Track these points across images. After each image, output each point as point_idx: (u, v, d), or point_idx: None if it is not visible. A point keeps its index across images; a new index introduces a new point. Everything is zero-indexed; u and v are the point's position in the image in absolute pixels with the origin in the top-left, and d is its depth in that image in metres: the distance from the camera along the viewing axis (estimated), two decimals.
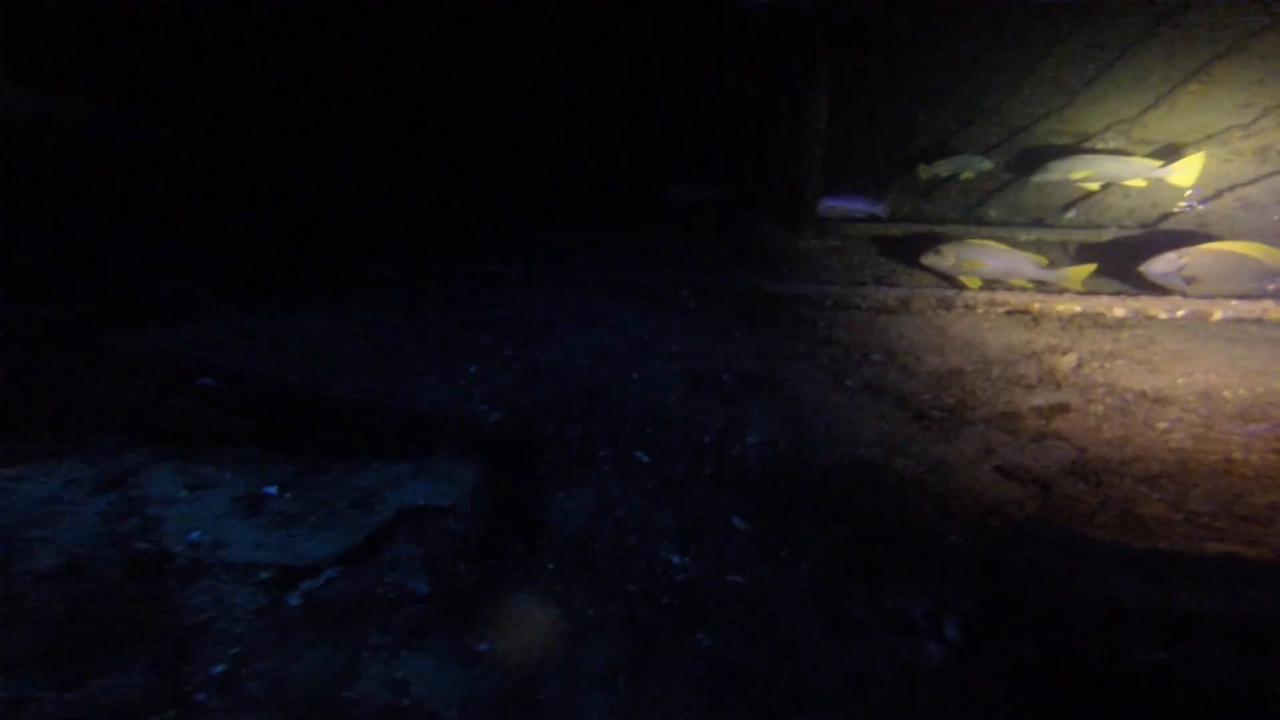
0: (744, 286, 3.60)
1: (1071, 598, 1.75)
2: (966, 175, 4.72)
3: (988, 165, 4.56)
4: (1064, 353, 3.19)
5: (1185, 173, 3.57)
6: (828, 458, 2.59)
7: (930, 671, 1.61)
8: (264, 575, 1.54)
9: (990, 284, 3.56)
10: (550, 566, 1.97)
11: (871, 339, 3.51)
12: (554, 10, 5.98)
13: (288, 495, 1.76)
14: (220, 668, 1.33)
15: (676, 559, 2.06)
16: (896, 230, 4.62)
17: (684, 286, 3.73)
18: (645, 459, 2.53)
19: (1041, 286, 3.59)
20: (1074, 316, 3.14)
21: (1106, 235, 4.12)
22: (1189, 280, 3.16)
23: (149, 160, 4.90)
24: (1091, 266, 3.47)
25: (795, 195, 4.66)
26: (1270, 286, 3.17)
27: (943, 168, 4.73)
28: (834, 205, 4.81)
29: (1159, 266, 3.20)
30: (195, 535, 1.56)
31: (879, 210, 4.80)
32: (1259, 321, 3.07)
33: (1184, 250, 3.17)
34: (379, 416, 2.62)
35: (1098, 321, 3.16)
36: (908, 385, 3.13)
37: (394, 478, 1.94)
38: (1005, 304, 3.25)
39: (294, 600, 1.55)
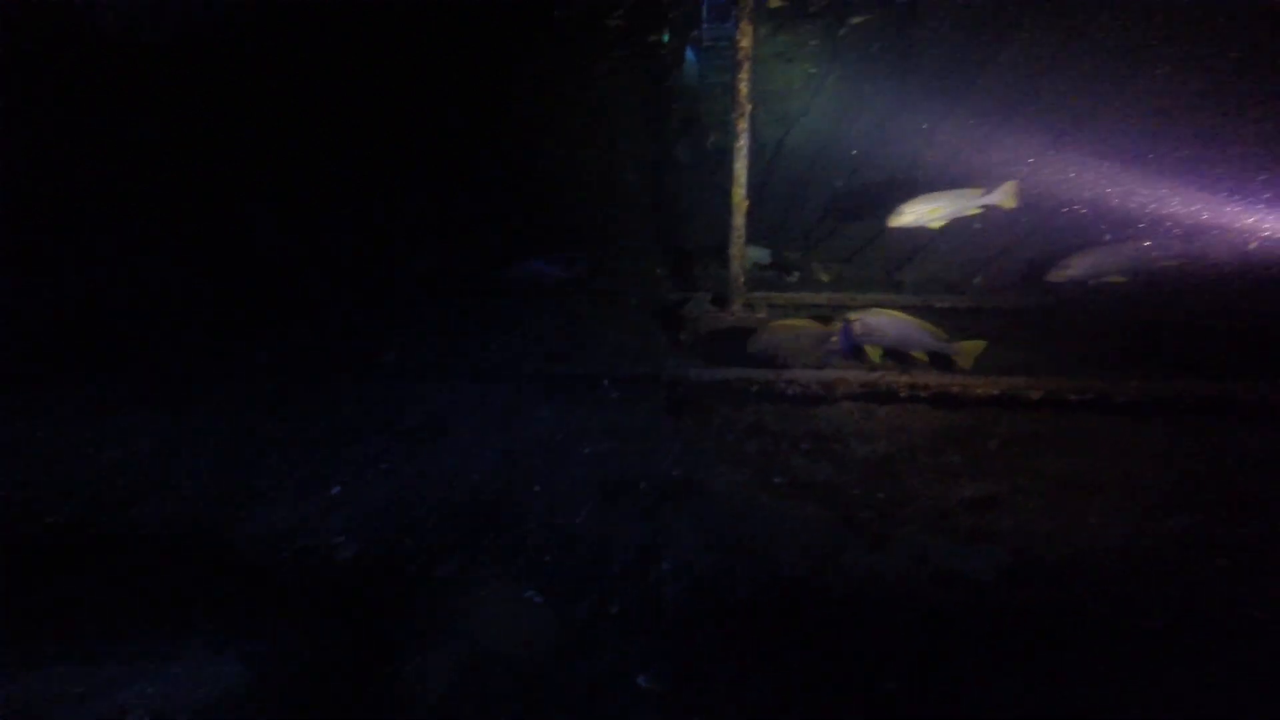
0: (669, 376, 3.43)
1: None
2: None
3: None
4: (987, 437, 3.14)
5: (1007, 195, 3.93)
6: (751, 581, 2.38)
7: None
8: None
9: (909, 368, 3.54)
10: None
11: (800, 426, 3.39)
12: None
13: None
14: None
15: None
16: (821, 299, 4.61)
17: (605, 377, 3.53)
18: (539, 599, 2.23)
19: (940, 359, 3.63)
20: (992, 399, 3.12)
21: (1011, 303, 4.25)
22: (871, 342, 3.55)
23: None
24: (983, 343, 3.49)
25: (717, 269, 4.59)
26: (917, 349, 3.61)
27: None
28: (527, 268, 4.74)
29: (850, 335, 3.57)
30: None
31: (572, 274, 4.71)
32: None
33: (869, 313, 3.57)
34: (172, 558, 2.16)
35: (1016, 404, 3.14)
36: (838, 478, 3.00)
37: (129, 670, 1.42)
38: (926, 387, 3.20)
39: None
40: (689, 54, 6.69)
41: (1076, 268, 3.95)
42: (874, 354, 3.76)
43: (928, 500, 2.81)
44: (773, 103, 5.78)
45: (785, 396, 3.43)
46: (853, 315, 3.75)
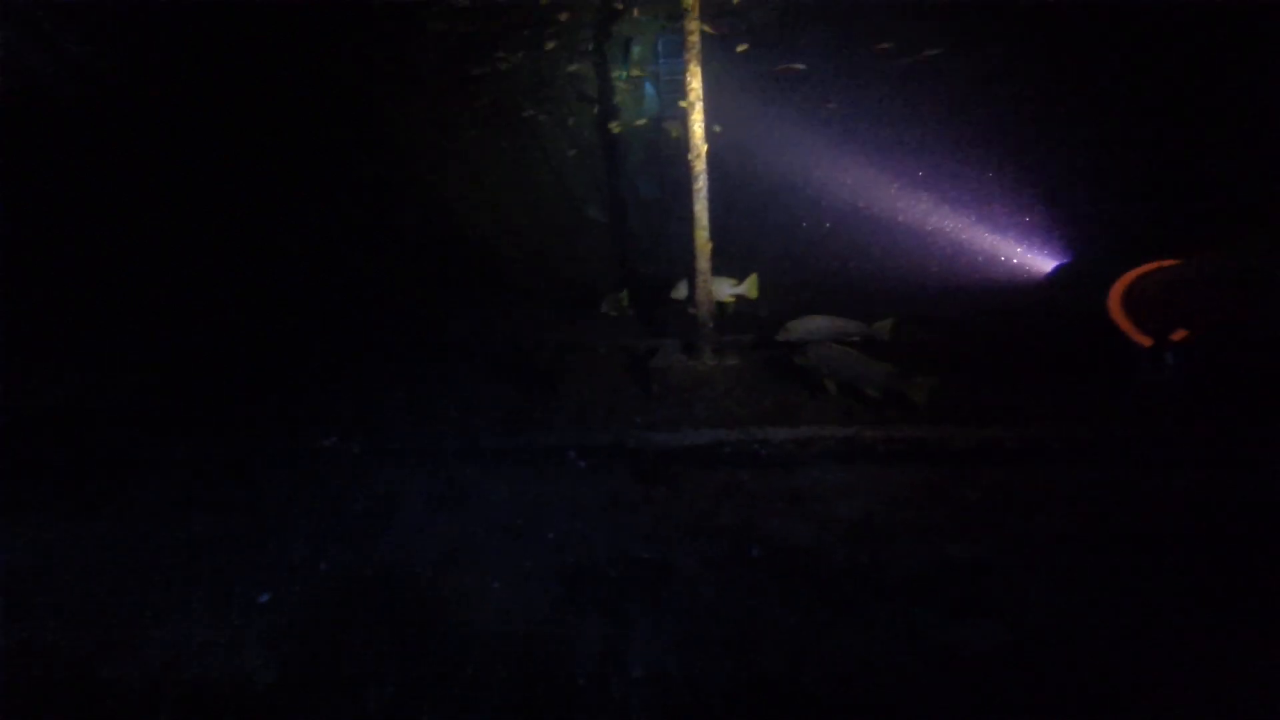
0: (635, 443, 3.27)
1: None
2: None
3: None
4: (969, 485, 3.02)
5: (750, 286, 4.86)
6: (727, 683, 2.20)
7: None
8: None
9: (886, 420, 3.43)
10: None
11: (777, 484, 3.23)
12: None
13: None
14: None
15: None
16: (793, 336, 4.49)
17: (571, 448, 3.35)
18: None
19: (891, 392, 3.66)
20: (970, 451, 3.00)
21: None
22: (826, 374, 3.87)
23: None
24: (935, 379, 3.53)
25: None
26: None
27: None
28: None
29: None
30: None
31: None
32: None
33: (824, 346, 3.92)
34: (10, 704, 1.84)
35: (991, 456, 3.02)
36: (818, 542, 2.84)
37: None
38: (904, 439, 3.08)
39: None
40: (647, 88, 6.63)
41: (793, 332, 4.43)
42: (830, 384, 3.86)
43: (914, 564, 2.66)
44: (730, 132, 5.74)
45: (759, 457, 3.28)
46: (810, 349, 3.80)
